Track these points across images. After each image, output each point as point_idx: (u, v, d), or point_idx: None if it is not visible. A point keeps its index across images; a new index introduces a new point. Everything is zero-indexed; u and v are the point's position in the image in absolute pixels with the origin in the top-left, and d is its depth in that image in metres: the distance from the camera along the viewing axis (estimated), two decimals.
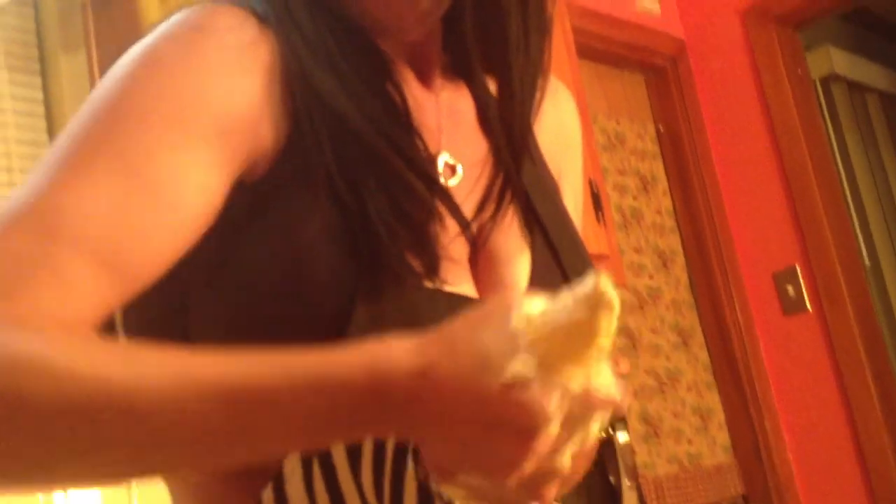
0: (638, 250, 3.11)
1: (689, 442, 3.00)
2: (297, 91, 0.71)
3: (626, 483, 1.87)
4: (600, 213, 2.15)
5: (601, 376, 0.58)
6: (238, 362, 0.57)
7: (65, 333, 0.59)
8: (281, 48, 0.72)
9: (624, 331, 2.96)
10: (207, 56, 0.69)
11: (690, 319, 3.20)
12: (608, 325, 0.57)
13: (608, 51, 3.27)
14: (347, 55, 0.75)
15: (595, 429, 0.60)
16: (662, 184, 3.33)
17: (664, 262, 3.18)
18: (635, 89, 3.43)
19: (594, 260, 2.14)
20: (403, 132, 0.75)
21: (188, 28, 0.71)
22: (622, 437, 1.91)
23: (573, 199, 0.93)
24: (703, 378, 3.15)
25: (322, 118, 0.71)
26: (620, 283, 2.19)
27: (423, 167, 0.75)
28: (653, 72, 3.46)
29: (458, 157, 0.80)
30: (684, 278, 3.24)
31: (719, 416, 3.15)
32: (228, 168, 0.68)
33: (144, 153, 0.65)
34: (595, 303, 0.56)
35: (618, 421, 1.99)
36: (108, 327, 0.72)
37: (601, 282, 0.57)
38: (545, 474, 0.61)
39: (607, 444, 1.92)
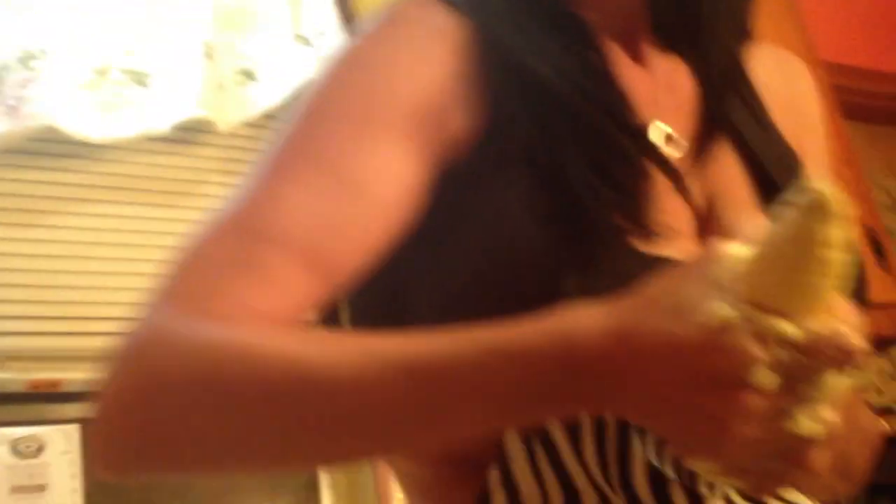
0: None
1: None
2: (492, 69, 0.71)
3: None
4: (884, 261, 1.98)
5: (834, 317, 0.48)
6: (422, 338, 0.56)
7: (259, 323, 0.60)
8: (473, 30, 0.73)
9: None
10: (398, 50, 0.71)
11: None
12: (829, 236, 0.47)
13: (881, 107, 3.07)
14: (544, 25, 0.74)
15: (840, 386, 0.50)
16: None
17: None
18: None
19: (883, 309, 1.96)
20: (607, 93, 0.72)
21: (383, 24, 0.73)
22: None
23: (822, 170, 0.86)
24: None
25: (520, 90, 0.70)
26: None
27: (631, 125, 0.72)
28: None
29: (679, 130, 0.76)
30: None
31: None
32: (426, 156, 0.68)
33: (341, 151, 0.67)
34: (809, 211, 0.47)
35: None
36: (331, 322, 0.74)
37: (815, 186, 0.47)
38: (789, 448, 0.52)
39: None
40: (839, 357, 0.48)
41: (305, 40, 1.99)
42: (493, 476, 0.64)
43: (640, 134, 0.72)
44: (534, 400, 0.53)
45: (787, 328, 0.47)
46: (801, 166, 0.81)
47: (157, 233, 1.89)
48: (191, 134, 1.94)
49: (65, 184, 1.83)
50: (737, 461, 0.54)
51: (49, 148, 1.80)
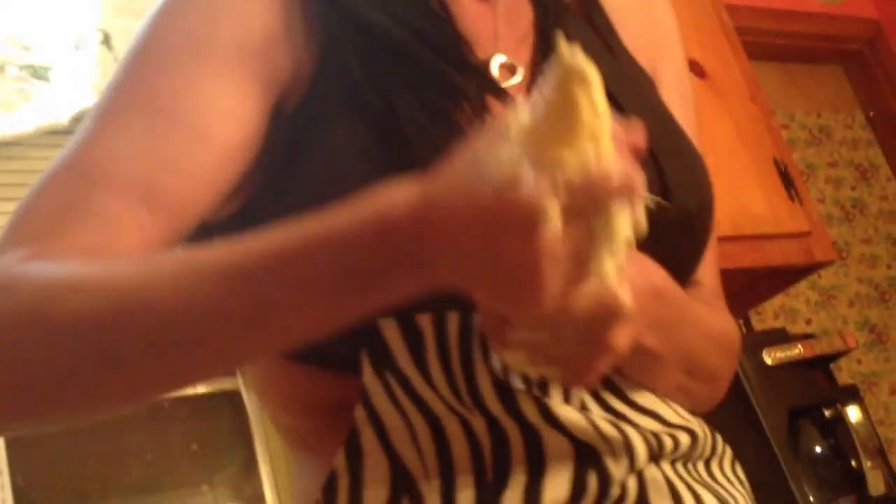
0: (867, 241, 2.89)
1: None
2: (321, 13, 0.71)
3: (867, 465, 1.70)
4: (793, 191, 2.02)
5: (604, 158, 0.51)
6: (246, 239, 0.56)
7: (86, 256, 0.60)
8: None
9: (868, 325, 2.76)
10: None
11: None
12: (586, 99, 0.51)
13: (796, 46, 3.12)
14: None
15: (623, 226, 0.52)
16: (885, 169, 3.09)
17: None
18: (834, 80, 3.24)
19: (794, 238, 1.99)
20: (442, 34, 0.73)
21: None
22: (853, 414, 1.75)
23: (676, 89, 0.87)
24: None
25: (350, 35, 0.71)
26: (832, 258, 2.03)
27: (467, 63, 0.73)
28: (850, 59, 3.26)
29: (518, 60, 0.77)
30: None
31: None
32: (256, 93, 0.69)
33: (168, 91, 0.67)
34: (564, 77, 0.51)
35: (850, 399, 1.82)
36: None
37: (565, 54, 0.51)
38: (599, 304, 0.53)
39: (840, 425, 1.75)
40: (620, 185, 0.50)
41: None
42: (359, 413, 0.65)
43: (476, 71, 0.73)
44: (357, 280, 0.54)
45: (570, 161, 0.50)
46: (651, 87, 0.83)
47: None
48: None
49: None
50: (546, 345, 0.56)
51: None
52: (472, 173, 0.51)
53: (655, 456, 0.66)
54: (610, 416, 0.66)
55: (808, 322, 2.67)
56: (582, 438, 0.63)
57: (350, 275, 0.54)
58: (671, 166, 0.74)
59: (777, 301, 2.59)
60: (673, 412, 0.70)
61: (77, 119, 1.82)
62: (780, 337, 1.84)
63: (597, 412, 0.66)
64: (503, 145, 0.51)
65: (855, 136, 3.11)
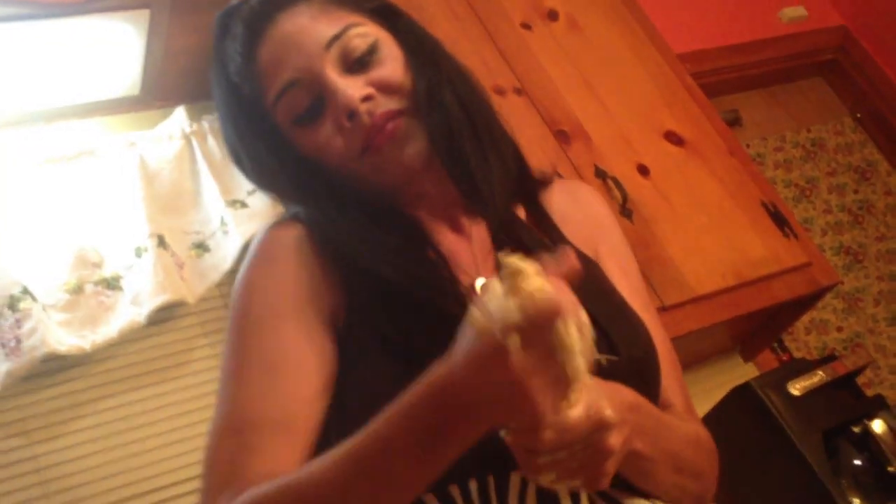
0: (881, 238, 3.04)
1: None
2: (343, 272, 0.99)
3: None
4: (786, 228, 2.21)
5: (539, 297, 0.72)
6: (358, 434, 0.82)
7: (266, 480, 0.87)
8: (322, 241, 1.01)
9: None
10: (272, 270, 1.01)
11: None
12: (527, 282, 0.73)
13: (773, 70, 3.32)
14: (387, 230, 1.00)
15: (572, 334, 0.74)
16: (883, 164, 3.26)
17: None
18: (816, 92, 3.43)
19: (797, 271, 2.17)
20: (437, 277, 0.99)
21: (258, 252, 1.03)
22: (878, 426, 1.92)
23: (617, 263, 1.12)
24: None
25: (365, 287, 0.97)
26: (835, 282, 2.21)
27: (457, 295, 0.96)
28: (827, 68, 3.45)
29: (488, 274, 1.01)
30: None
31: None
32: (321, 323, 0.97)
33: (267, 349, 0.96)
34: (507, 273, 0.75)
35: (876, 410, 1.99)
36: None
37: (505, 260, 0.75)
38: (590, 418, 0.75)
39: (871, 436, 1.93)
40: (553, 308, 0.72)
41: (241, 203, 2.25)
42: None
43: (464, 297, 0.96)
44: (433, 435, 0.78)
45: (515, 307, 0.72)
46: (592, 267, 1.07)
47: (174, 403, 2.17)
48: (169, 311, 2.20)
49: (73, 392, 2.09)
50: (559, 458, 0.76)
51: (50, 366, 2.07)
52: (463, 341, 0.76)
53: None
54: None
55: (840, 329, 2.83)
56: None
57: (427, 432, 0.78)
58: (614, 328, 0.97)
59: (806, 317, 2.76)
60: None
61: (151, 315, 2.09)
62: (801, 367, 2.02)
63: None
64: (474, 315, 0.75)
65: (847, 140, 3.28)
